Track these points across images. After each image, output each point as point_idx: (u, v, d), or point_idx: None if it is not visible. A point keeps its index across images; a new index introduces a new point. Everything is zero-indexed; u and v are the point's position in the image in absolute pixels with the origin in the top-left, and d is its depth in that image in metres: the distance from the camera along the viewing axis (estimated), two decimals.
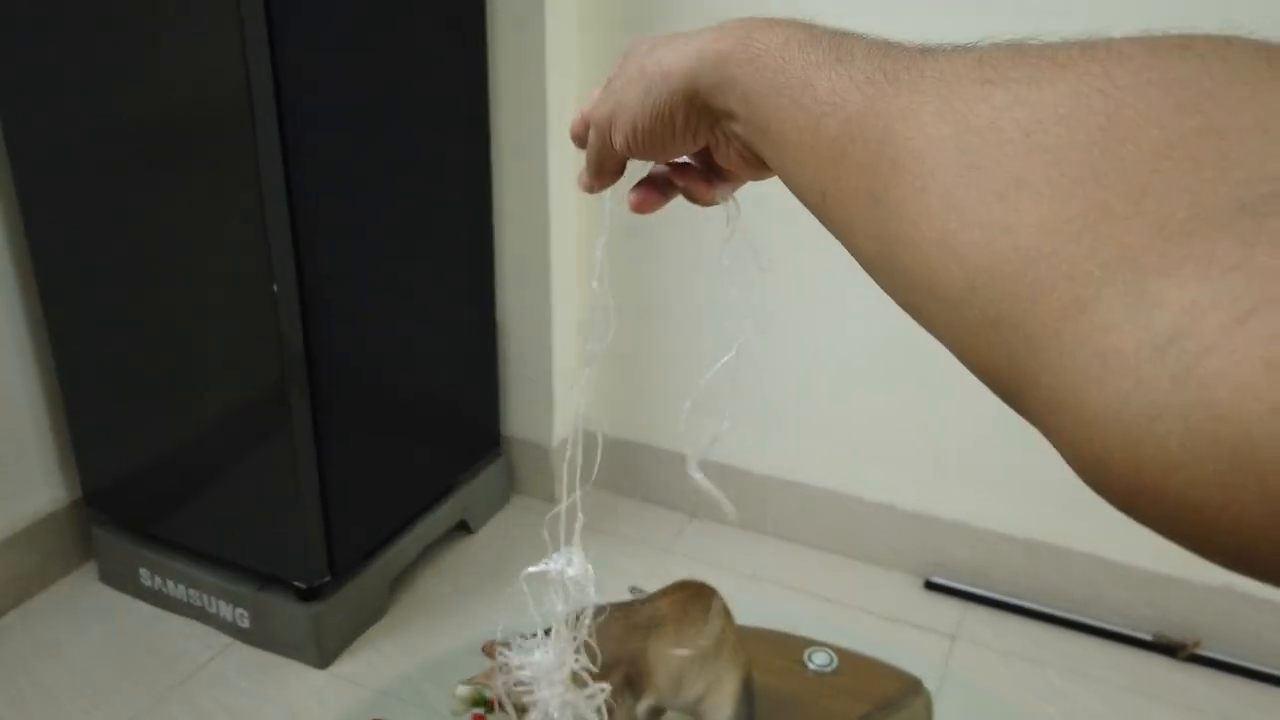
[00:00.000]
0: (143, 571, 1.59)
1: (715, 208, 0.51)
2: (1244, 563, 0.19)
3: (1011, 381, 0.23)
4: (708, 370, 1.80)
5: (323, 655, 1.49)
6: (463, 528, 1.78)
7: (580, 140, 0.48)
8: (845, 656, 0.80)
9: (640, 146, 0.42)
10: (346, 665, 1.50)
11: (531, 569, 0.69)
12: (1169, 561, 1.52)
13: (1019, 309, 0.22)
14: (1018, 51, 0.26)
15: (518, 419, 1.87)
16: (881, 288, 0.29)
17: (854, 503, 1.73)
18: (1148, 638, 1.55)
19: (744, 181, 0.46)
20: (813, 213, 0.33)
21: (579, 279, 1.81)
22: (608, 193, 0.51)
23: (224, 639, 1.54)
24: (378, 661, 1.51)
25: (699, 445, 0.61)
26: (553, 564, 0.69)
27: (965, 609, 1.64)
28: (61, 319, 1.50)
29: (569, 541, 0.69)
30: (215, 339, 1.38)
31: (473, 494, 1.78)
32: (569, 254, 1.77)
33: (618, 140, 0.42)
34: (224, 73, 1.18)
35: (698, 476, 0.60)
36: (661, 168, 0.48)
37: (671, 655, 0.80)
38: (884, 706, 0.77)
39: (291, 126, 1.22)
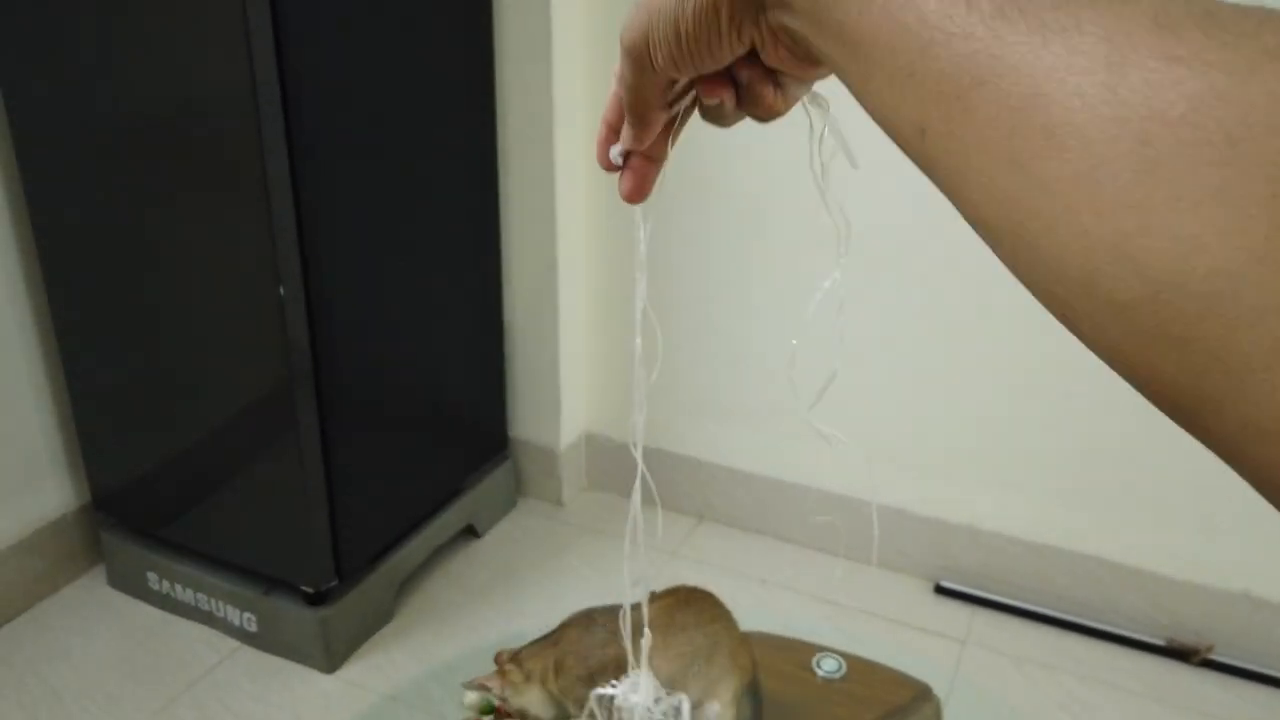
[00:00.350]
0: (151, 575, 1.59)
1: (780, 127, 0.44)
2: None
3: (1192, 401, 0.22)
4: (720, 373, 1.82)
5: (330, 659, 1.48)
6: (469, 532, 1.78)
7: (607, 163, 0.44)
8: (854, 663, 0.79)
9: (687, 55, 0.36)
10: (354, 670, 1.49)
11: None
12: (1182, 566, 1.51)
13: (1217, 334, 0.20)
14: (1207, 13, 0.21)
15: (525, 422, 1.87)
16: (996, 254, 0.26)
17: (864, 506, 1.72)
18: (1161, 643, 1.53)
19: (809, 82, 0.40)
20: (898, 143, 0.28)
21: (586, 281, 1.80)
22: (639, 212, 0.47)
23: (231, 643, 1.54)
24: (385, 666, 1.50)
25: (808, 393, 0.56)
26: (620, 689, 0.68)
27: (975, 613, 1.62)
28: (69, 324, 1.50)
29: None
30: (222, 342, 1.38)
31: (479, 498, 1.77)
32: (576, 256, 1.77)
33: (660, 57, 0.37)
34: (229, 75, 1.18)
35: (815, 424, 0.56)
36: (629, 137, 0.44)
37: (656, 663, 0.79)
38: (893, 714, 0.76)
39: (297, 128, 1.22)
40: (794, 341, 0.57)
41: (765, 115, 0.41)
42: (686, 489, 1.84)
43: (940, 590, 1.67)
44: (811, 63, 0.34)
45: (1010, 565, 1.62)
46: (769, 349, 1.70)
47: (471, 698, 0.81)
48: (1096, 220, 0.22)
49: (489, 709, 0.80)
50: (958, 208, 0.26)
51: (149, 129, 1.29)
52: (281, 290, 1.26)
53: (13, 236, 1.50)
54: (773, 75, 0.38)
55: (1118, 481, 1.52)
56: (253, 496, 1.45)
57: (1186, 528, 1.49)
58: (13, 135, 1.41)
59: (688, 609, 0.85)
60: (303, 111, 1.22)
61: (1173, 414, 0.23)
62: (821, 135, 0.43)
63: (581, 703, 0.77)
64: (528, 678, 0.77)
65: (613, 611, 0.79)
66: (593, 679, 0.76)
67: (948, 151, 0.26)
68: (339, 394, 1.39)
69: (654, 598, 0.85)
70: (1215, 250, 0.20)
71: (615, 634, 0.78)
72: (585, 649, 0.81)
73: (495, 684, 0.77)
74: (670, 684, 0.79)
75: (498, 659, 0.81)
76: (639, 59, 0.38)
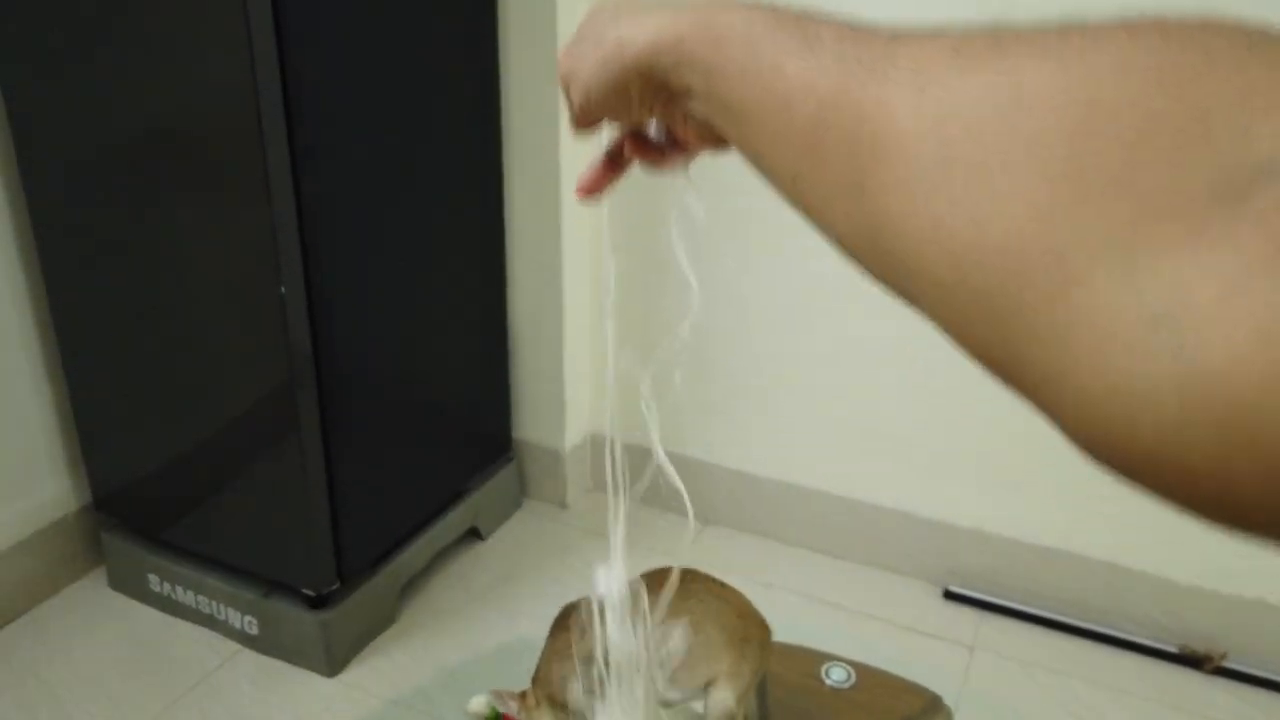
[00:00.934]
0: (151, 577, 1.58)
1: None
2: (1240, 523, 0.20)
3: (1007, 363, 0.24)
4: (723, 374, 1.81)
5: (332, 663, 1.47)
6: (473, 534, 1.76)
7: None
8: (863, 672, 0.77)
9: (594, 111, 0.42)
10: (356, 673, 1.48)
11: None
12: (1194, 572, 1.49)
13: (1011, 292, 0.23)
14: (993, 39, 0.26)
15: (529, 423, 1.85)
16: (863, 271, 0.29)
17: (871, 510, 1.70)
18: (1173, 649, 1.51)
19: (698, 154, 0.47)
20: (780, 193, 0.33)
21: (592, 282, 1.79)
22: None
23: (233, 646, 1.52)
24: (387, 669, 1.49)
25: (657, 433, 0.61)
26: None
27: (984, 618, 1.60)
28: (70, 325, 1.49)
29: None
30: (224, 343, 1.36)
31: (483, 500, 1.76)
32: (581, 257, 1.75)
33: (575, 100, 0.42)
34: (231, 76, 1.17)
35: (665, 465, 0.60)
36: (614, 138, 0.49)
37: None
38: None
39: (299, 130, 1.20)
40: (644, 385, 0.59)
41: (658, 172, 0.49)
42: (692, 492, 1.82)
43: (949, 595, 1.65)
44: (715, 140, 0.39)
45: (1020, 569, 1.61)
46: (774, 352, 1.68)
47: (476, 704, 0.80)
48: (915, 214, 0.25)
49: (495, 716, 0.78)
50: (827, 237, 0.30)
51: (150, 129, 1.28)
52: (283, 290, 1.25)
53: (13, 236, 1.49)
54: (664, 147, 0.46)
55: (1119, 483, 1.49)
56: (254, 498, 1.44)
57: (1200, 533, 1.46)
58: (13, 135, 1.40)
59: (653, 591, 0.83)
60: (304, 111, 1.21)
61: (1002, 380, 0.25)
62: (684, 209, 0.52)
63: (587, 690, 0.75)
64: (537, 702, 0.76)
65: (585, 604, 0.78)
66: (579, 672, 0.75)
67: (813, 189, 0.30)
68: (341, 395, 1.37)
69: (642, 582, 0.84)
70: (1003, 216, 0.23)
71: (587, 622, 0.77)
72: (561, 648, 0.80)
73: (515, 704, 0.76)
74: (671, 676, 0.78)
75: (497, 697, 0.80)
76: (564, 90, 0.43)
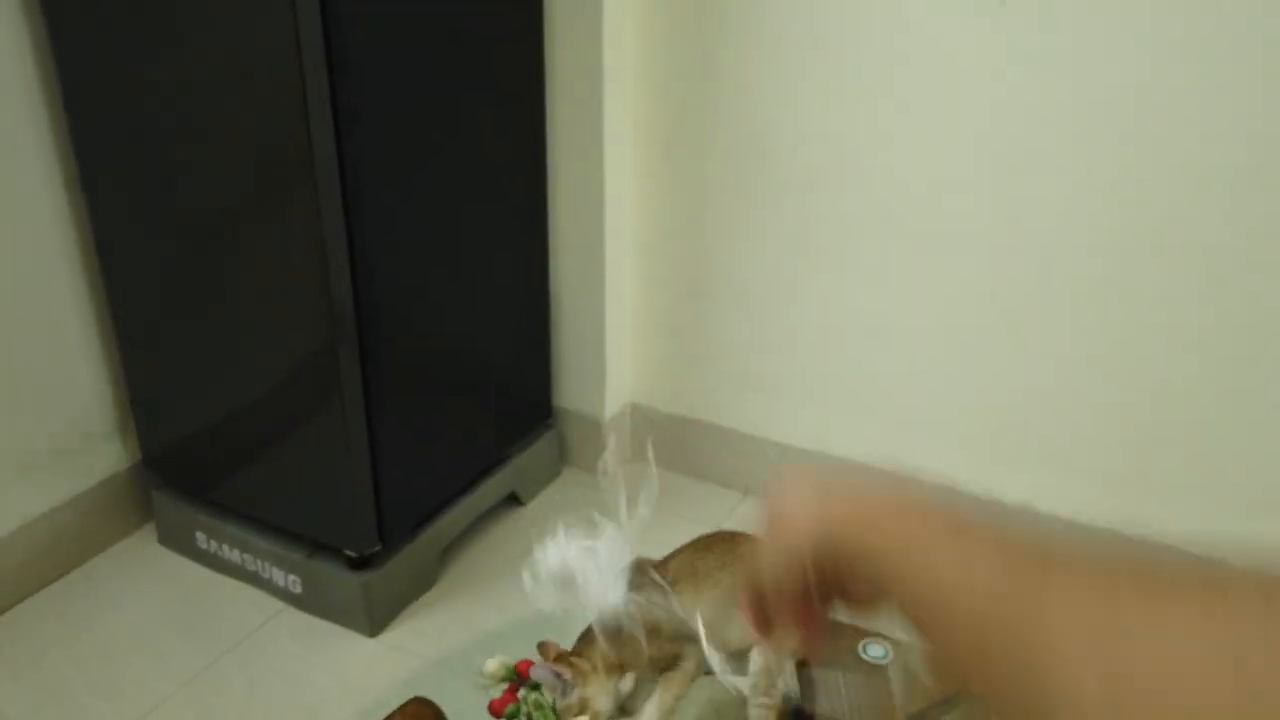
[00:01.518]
0: (199, 535, 1.61)
1: None
2: None
3: None
4: (765, 348, 1.78)
5: (373, 623, 1.49)
6: (513, 499, 1.77)
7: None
8: (902, 649, 0.76)
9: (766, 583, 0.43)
10: (396, 634, 1.50)
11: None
12: (1233, 550, 1.45)
13: None
14: (1141, 591, 0.29)
15: (570, 391, 1.85)
16: None
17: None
18: None
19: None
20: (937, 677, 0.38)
21: (634, 250, 1.78)
22: None
23: (277, 604, 1.55)
24: (427, 631, 1.51)
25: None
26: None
27: None
28: (121, 289, 1.51)
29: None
30: (269, 306, 1.38)
31: (524, 466, 1.77)
32: (624, 225, 1.74)
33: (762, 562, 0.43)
34: (275, 27, 1.16)
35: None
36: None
37: (705, 602, 0.78)
38: (940, 703, 0.74)
39: (343, 90, 1.20)
40: None
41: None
42: (732, 463, 1.82)
43: None
44: (871, 608, 0.42)
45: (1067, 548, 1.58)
46: (814, 323, 1.66)
47: (492, 665, 0.80)
48: None
49: (510, 675, 0.79)
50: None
51: (197, 94, 1.28)
52: (327, 251, 1.25)
53: (68, 208, 1.51)
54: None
55: (1166, 462, 1.46)
56: (298, 460, 1.46)
57: (1237, 510, 1.43)
58: (65, 110, 1.41)
59: (709, 554, 0.83)
60: (348, 69, 1.20)
61: None
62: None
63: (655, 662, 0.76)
64: (594, 668, 0.75)
65: (635, 584, 0.77)
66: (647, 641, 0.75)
67: (986, 685, 0.33)
68: (383, 358, 1.38)
69: (676, 552, 0.83)
70: None
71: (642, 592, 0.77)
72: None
73: (566, 671, 0.76)
74: (712, 632, 0.77)
75: (545, 650, 0.80)
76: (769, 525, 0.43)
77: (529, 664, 0.79)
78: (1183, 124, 1.31)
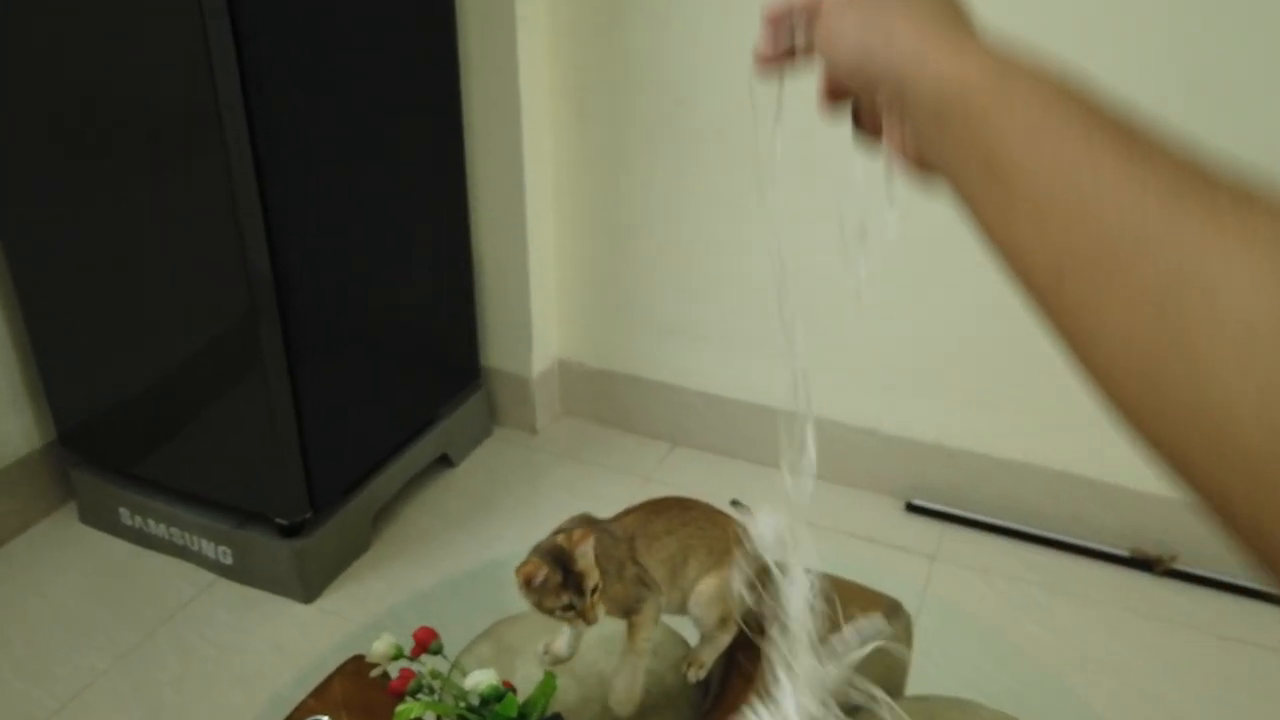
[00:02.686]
0: (123, 511, 1.58)
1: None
2: None
3: (1255, 534, 0.26)
4: (685, 297, 1.80)
5: (307, 590, 1.49)
6: (444, 461, 1.78)
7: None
8: (823, 581, 0.80)
9: (837, 88, 0.42)
10: (331, 599, 1.50)
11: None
12: (1146, 478, 1.53)
13: None
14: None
15: (497, 350, 1.86)
16: (1109, 394, 0.30)
17: (834, 427, 1.73)
18: (1125, 554, 1.57)
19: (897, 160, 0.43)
20: (1018, 276, 0.32)
21: (554, 207, 1.77)
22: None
23: (208, 576, 1.54)
24: (363, 595, 1.51)
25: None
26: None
27: (945, 530, 1.65)
28: (25, 260, 1.46)
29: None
30: (183, 273, 1.35)
31: (453, 427, 1.77)
32: (544, 181, 1.73)
33: (823, 68, 0.42)
34: None
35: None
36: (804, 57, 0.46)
37: (655, 563, 0.81)
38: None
39: (250, 46, 1.17)
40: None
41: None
42: (660, 414, 1.84)
43: (911, 508, 1.69)
44: (925, 166, 0.38)
45: (980, 482, 1.65)
46: (738, 272, 1.69)
47: (380, 647, 0.81)
48: (1242, 376, 0.24)
49: (399, 654, 0.80)
50: (1076, 349, 0.30)
51: (100, 58, 1.24)
52: (240, 218, 1.23)
53: None
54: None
55: (1083, 396, 1.53)
56: (223, 430, 1.44)
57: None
58: None
59: (658, 518, 0.85)
60: (255, 32, 1.17)
61: (1225, 528, 0.27)
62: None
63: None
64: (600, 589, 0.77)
65: (592, 524, 0.79)
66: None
67: (1086, 298, 0.28)
68: (305, 324, 1.37)
69: (626, 512, 0.85)
70: None
71: (613, 542, 0.79)
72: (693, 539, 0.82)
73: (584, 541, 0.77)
74: (672, 575, 0.80)
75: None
76: (818, 46, 0.42)
77: (429, 632, 0.80)
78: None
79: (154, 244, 1.34)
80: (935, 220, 1.51)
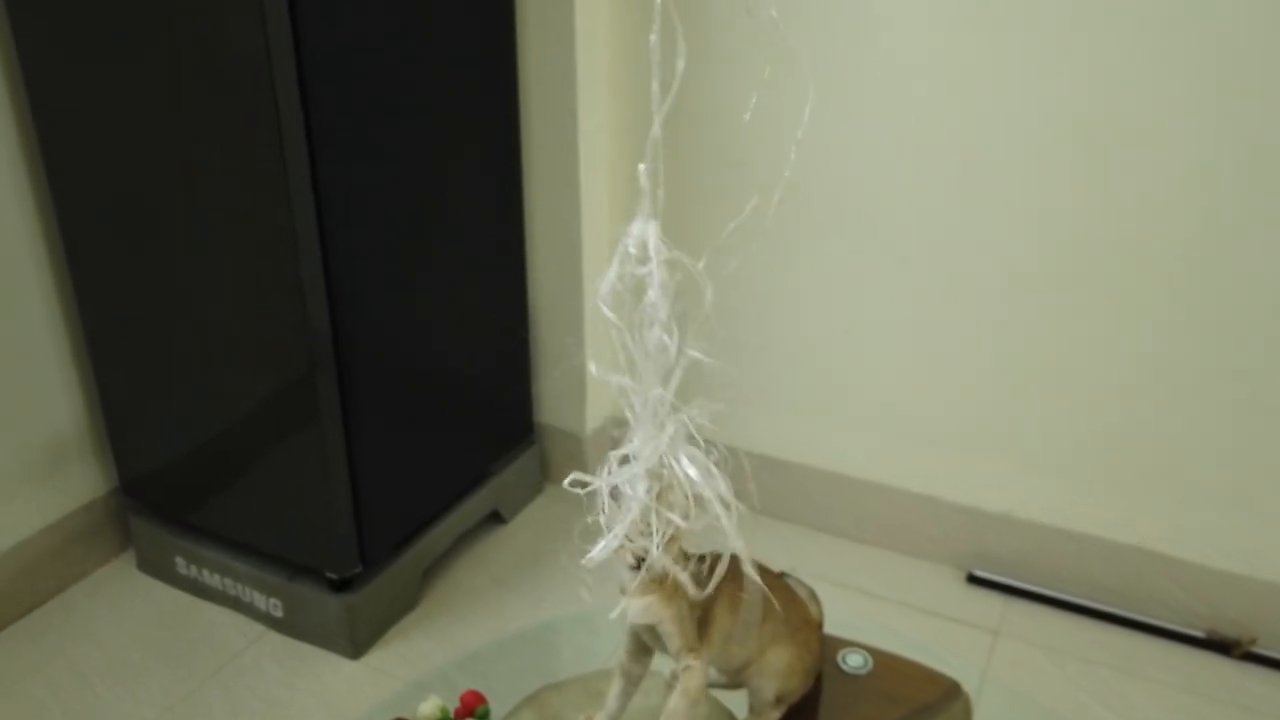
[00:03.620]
0: (179, 560, 1.60)
1: None
2: None
3: None
4: (748, 359, 1.78)
5: (355, 646, 1.48)
6: (495, 518, 1.77)
7: None
8: (881, 658, 0.77)
9: None
10: (379, 656, 1.49)
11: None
12: (1223, 555, 1.46)
13: None
14: None
15: (551, 407, 1.85)
16: None
17: (896, 494, 1.69)
18: (1200, 635, 1.49)
19: None
20: None
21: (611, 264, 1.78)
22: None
23: (258, 628, 1.54)
24: (410, 653, 1.50)
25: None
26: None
27: (1009, 604, 1.59)
28: (96, 313, 1.50)
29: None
30: (245, 328, 1.37)
31: (505, 483, 1.76)
32: (601, 239, 1.74)
33: None
34: (245, 48, 1.16)
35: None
36: None
37: (724, 616, 0.77)
38: (920, 711, 0.74)
39: (316, 111, 1.20)
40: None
41: None
42: None
43: (973, 579, 1.63)
44: None
45: (1047, 555, 1.59)
46: (791, 332, 1.67)
47: (426, 709, 0.79)
48: None
49: (445, 716, 0.78)
50: None
51: (169, 109, 1.28)
52: (301, 274, 1.25)
53: (40, 229, 1.50)
54: None
55: (1157, 467, 1.47)
56: (277, 482, 1.45)
57: (1228, 515, 1.44)
58: (35, 122, 1.41)
59: (742, 575, 0.82)
60: (320, 95, 1.20)
61: None
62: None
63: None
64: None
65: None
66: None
67: None
68: (361, 379, 1.38)
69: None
70: None
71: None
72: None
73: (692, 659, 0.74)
74: (728, 638, 0.77)
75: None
76: None
77: (476, 696, 0.79)
78: (1161, 132, 1.33)
79: (217, 299, 1.37)
80: (1006, 285, 1.49)
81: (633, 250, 0.71)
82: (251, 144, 1.22)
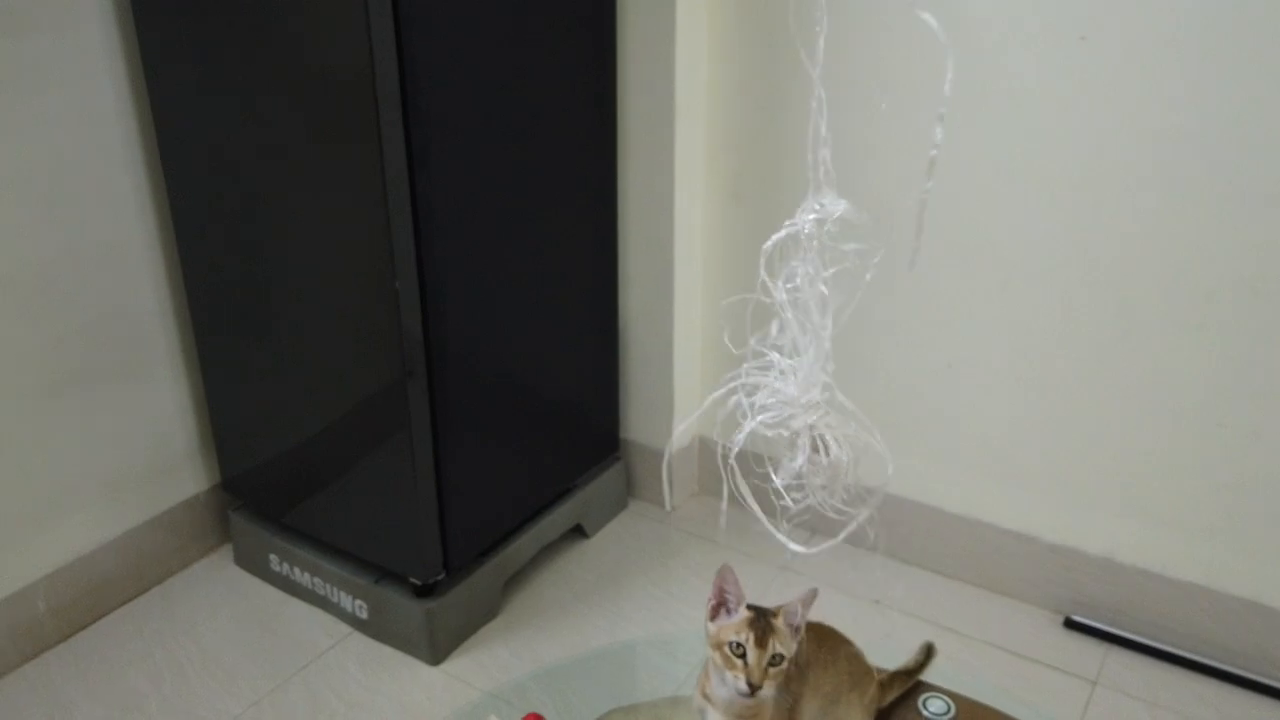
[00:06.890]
0: (273, 557, 1.65)
1: None
2: None
3: None
4: (842, 389, 1.74)
5: (435, 652, 1.50)
6: (578, 531, 1.77)
7: None
8: (964, 705, 0.73)
9: None
10: (457, 663, 1.50)
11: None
12: None
13: None
14: None
15: (637, 424, 1.85)
16: None
17: (990, 531, 1.63)
18: None
19: None
20: None
21: (703, 283, 1.77)
22: None
23: (344, 628, 1.57)
24: (488, 662, 1.51)
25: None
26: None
27: (1109, 652, 1.51)
28: (204, 318, 1.56)
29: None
30: (341, 336, 1.40)
31: (589, 498, 1.76)
32: (693, 259, 1.74)
33: None
34: (350, 66, 1.20)
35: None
36: None
37: (815, 695, 0.80)
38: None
39: (416, 125, 1.23)
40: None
41: None
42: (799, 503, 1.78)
43: (1071, 624, 1.56)
44: None
45: (1150, 603, 1.51)
46: (887, 362, 1.63)
47: None
48: None
49: None
50: None
51: (278, 123, 1.32)
52: (396, 284, 1.28)
53: (159, 240, 1.57)
54: None
55: (1271, 517, 1.39)
56: (366, 486, 1.48)
57: None
58: (158, 135, 1.47)
59: (821, 646, 0.83)
60: (422, 110, 1.23)
61: None
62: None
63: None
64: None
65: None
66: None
67: None
68: (451, 389, 1.40)
69: (803, 631, 0.84)
70: None
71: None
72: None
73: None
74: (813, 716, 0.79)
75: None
76: None
77: (536, 718, 0.80)
78: (1271, 157, 1.26)
79: (317, 306, 1.40)
80: (1115, 327, 1.42)
81: (817, 208, 0.77)
82: (353, 157, 1.25)
